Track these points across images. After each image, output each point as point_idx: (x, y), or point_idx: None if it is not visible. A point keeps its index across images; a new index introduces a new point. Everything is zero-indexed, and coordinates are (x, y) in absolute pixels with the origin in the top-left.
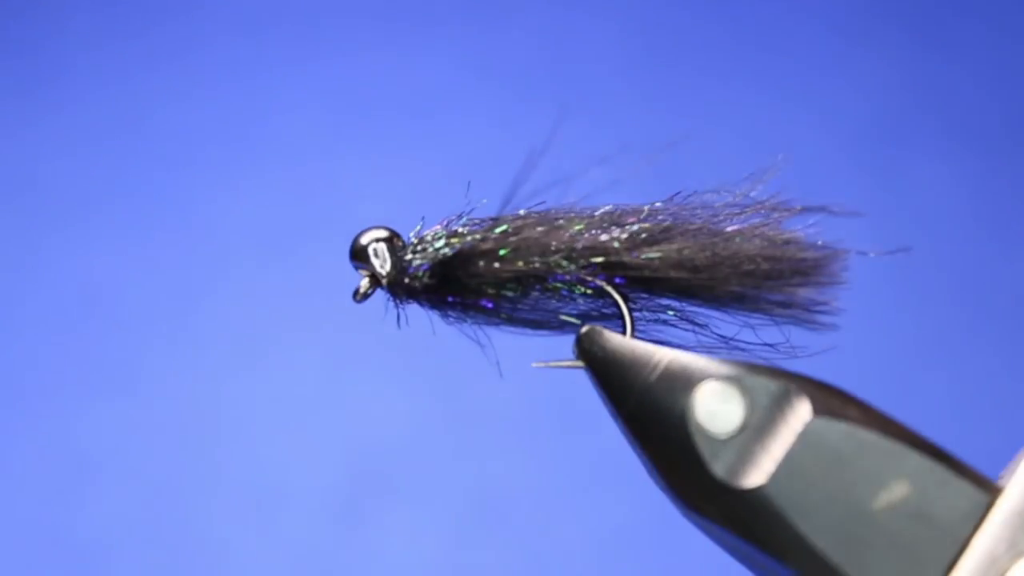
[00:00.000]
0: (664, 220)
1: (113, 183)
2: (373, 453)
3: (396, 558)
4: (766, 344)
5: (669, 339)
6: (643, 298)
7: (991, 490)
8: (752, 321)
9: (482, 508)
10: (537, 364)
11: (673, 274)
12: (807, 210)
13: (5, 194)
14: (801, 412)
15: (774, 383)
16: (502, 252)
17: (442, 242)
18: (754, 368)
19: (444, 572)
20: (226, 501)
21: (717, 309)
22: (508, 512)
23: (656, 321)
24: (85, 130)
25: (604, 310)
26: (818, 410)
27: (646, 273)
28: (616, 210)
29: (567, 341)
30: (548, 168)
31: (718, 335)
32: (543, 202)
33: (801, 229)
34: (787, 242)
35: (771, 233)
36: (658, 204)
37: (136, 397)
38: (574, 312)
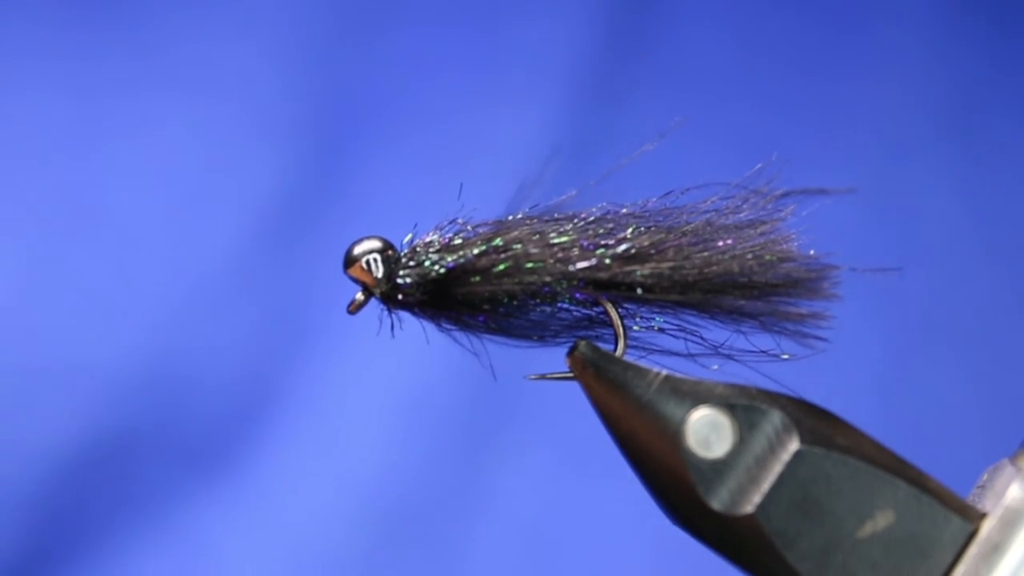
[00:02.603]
0: (655, 232)
1: None
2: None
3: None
4: (756, 350)
5: (658, 343)
6: (634, 306)
7: (974, 518)
8: (742, 328)
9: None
10: (532, 377)
11: (663, 295)
12: (797, 193)
13: None
14: (789, 441)
15: (764, 410)
16: (495, 270)
17: (436, 257)
18: (745, 392)
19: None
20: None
21: (708, 319)
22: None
23: (647, 328)
24: None
25: (598, 316)
26: (805, 439)
27: (637, 292)
28: (608, 213)
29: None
30: (541, 160)
31: (708, 343)
32: (536, 204)
33: (792, 240)
34: (779, 259)
35: (762, 250)
36: (650, 203)
37: None
38: (568, 319)
